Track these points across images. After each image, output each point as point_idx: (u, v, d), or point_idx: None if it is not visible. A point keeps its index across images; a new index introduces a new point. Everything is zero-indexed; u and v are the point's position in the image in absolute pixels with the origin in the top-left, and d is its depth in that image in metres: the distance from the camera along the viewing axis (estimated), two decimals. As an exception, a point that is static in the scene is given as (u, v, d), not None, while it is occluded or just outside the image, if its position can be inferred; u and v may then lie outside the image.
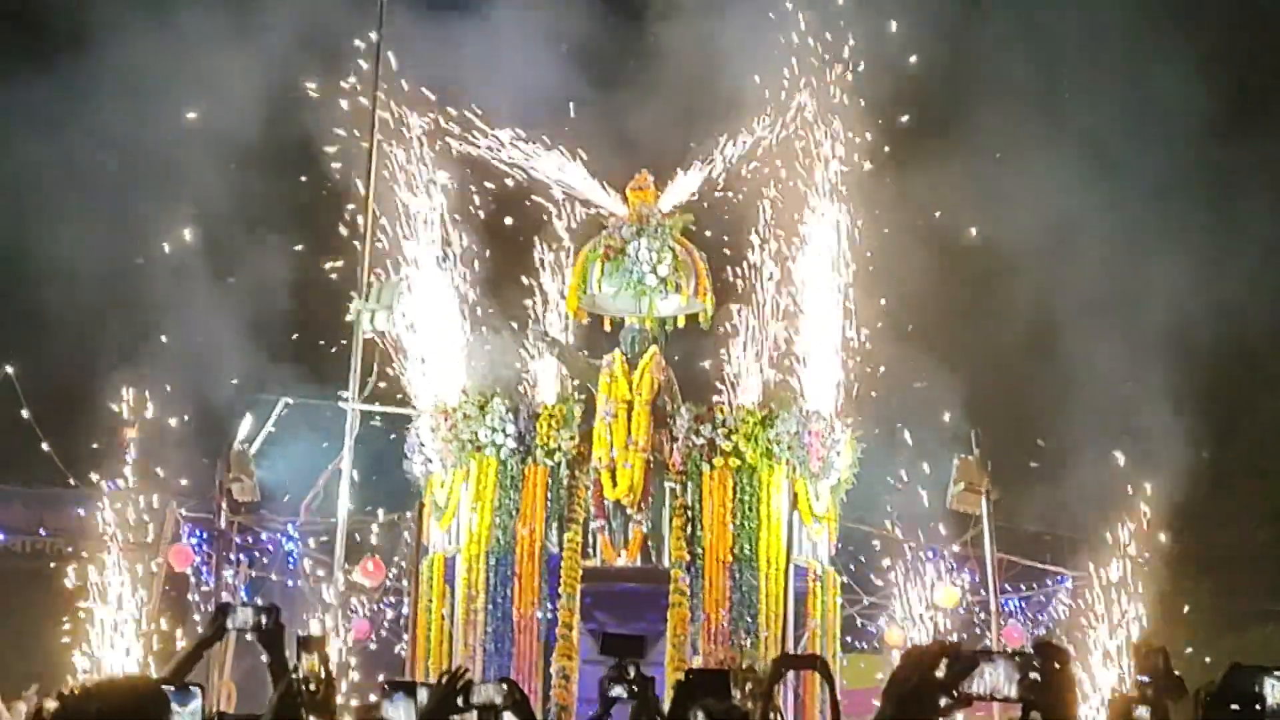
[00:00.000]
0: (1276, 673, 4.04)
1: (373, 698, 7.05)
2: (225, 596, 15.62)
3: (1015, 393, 20.12)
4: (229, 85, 17.12)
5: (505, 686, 6.26)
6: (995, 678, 3.61)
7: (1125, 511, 16.85)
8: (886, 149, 16.74)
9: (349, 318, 15.34)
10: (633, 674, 7.14)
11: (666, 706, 13.55)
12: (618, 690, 7.11)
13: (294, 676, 5.73)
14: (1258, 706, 4.08)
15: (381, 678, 15.94)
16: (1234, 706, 4.13)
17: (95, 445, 14.96)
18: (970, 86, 20.72)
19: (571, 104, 16.74)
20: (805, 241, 16.07)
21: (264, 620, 5.81)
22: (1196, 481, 19.05)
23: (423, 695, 5.77)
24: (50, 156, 18.75)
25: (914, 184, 17.88)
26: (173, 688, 5.19)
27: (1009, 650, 3.87)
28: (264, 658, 5.82)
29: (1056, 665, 4.59)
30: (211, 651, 13.58)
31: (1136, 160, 20.63)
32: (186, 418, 15.54)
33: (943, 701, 3.60)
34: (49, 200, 19.17)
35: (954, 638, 17.73)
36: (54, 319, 18.10)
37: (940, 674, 3.65)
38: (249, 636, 5.87)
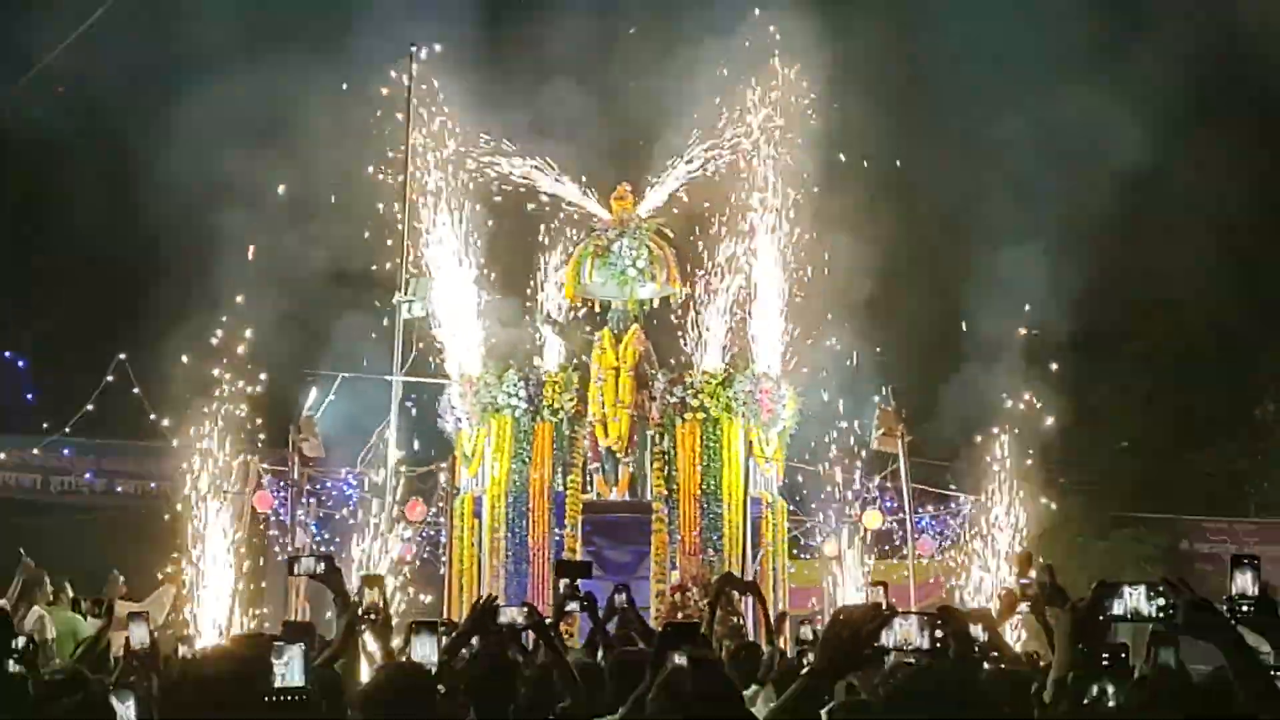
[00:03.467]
0: (1131, 586, 4.41)
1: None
2: (299, 533, 17.57)
3: (923, 344, 20.82)
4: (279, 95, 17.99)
5: (526, 609, 6.85)
6: (906, 630, 3.84)
7: (1012, 441, 17.88)
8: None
9: (396, 299, 17.16)
10: (583, 591, 7.62)
11: (650, 614, 15.47)
12: (571, 605, 7.63)
13: (357, 604, 6.30)
14: (1119, 613, 4.42)
15: (420, 597, 17.48)
16: (1100, 617, 4.51)
17: (189, 409, 16.60)
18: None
19: (569, 125, 18.20)
20: (755, 231, 17.37)
21: (321, 566, 6.49)
22: (1070, 415, 20.09)
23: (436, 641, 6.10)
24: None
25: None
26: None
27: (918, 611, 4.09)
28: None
29: (957, 625, 5.22)
30: (291, 580, 15.44)
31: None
32: (261, 388, 17.36)
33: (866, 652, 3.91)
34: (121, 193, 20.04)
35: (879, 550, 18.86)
36: (150, 309, 19.87)
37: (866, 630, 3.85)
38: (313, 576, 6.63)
